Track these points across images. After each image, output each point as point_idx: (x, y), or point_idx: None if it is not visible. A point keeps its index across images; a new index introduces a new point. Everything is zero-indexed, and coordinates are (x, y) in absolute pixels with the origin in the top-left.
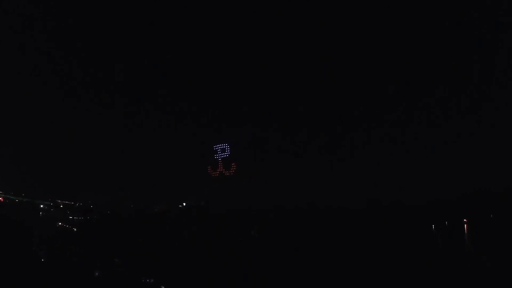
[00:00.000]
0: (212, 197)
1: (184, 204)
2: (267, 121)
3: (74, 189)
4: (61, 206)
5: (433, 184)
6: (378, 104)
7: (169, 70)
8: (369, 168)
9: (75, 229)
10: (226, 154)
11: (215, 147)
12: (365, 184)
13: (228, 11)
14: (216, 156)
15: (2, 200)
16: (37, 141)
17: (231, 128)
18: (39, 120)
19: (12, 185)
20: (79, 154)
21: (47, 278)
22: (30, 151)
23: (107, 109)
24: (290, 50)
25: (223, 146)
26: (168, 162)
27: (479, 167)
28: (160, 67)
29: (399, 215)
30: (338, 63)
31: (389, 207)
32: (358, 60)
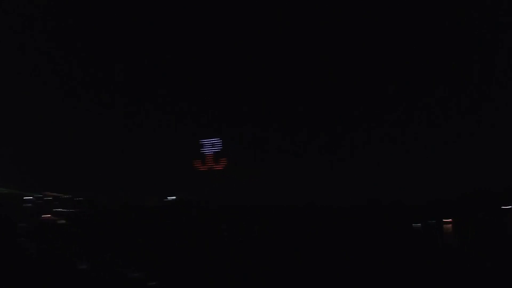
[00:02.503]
0: (212, 196)
1: (174, 197)
2: (267, 121)
3: (73, 186)
4: (50, 198)
5: (433, 184)
6: (378, 104)
7: (169, 70)
8: (369, 168)
9: (62, 221)
10: (217, 149)
11: (204, 141)
12: (365, 184)
13: (228, 11)
14: (204, 151)
15: None
16: (37, 141)
17: (231, 128)
18: (39, 120)
19: (11, 182)
20: (78, 152)
21: (31, 270)
22: (30, 151)
23: (107, 109)
24: (289, 50)
25: (214, 140)
26: (161, 159)
27: (480, 167)
28: (160, 67)
29: (399, 215)
30: (338, 63)
31: (389, 207)
32: (358, 60)
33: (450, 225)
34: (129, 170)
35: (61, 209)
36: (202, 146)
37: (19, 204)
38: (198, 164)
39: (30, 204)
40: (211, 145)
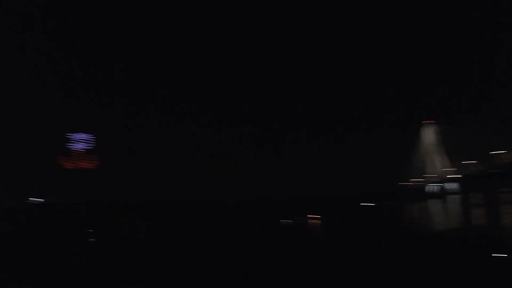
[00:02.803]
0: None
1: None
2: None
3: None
4: None
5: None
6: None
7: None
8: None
9: None
10: (89, 146)
11: (73, 136)
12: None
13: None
14: (74, 147)
15: None
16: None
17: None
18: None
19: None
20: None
21: None
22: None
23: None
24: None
25: (85, 136)
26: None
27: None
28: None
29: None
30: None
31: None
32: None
33: (319, 221)
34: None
35: None
36: (70, 141)
37: None
38: (64, 162)
39: None
40: (82, 141)
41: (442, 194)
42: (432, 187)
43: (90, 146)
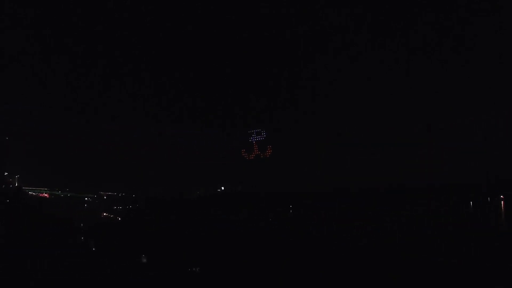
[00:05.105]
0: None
1: (223, 188)
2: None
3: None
4: (105, 198)
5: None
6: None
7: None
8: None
9: (119, 219)
10: (262, 137)
11: (250, 131)
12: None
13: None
14: (251, 139)
15: (48, 196)
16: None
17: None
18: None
19: (55, 181)
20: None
21: (92, 267)
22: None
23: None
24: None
25: (259, 130)
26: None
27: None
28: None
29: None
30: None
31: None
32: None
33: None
34: (171, 165)
35: (118, 207)
36: (249, 136)
37: (77, 205)
38: (245, 154)
39: (86, 205)
40: (257, 135)
41: None
42: None
43: (263, 138)
